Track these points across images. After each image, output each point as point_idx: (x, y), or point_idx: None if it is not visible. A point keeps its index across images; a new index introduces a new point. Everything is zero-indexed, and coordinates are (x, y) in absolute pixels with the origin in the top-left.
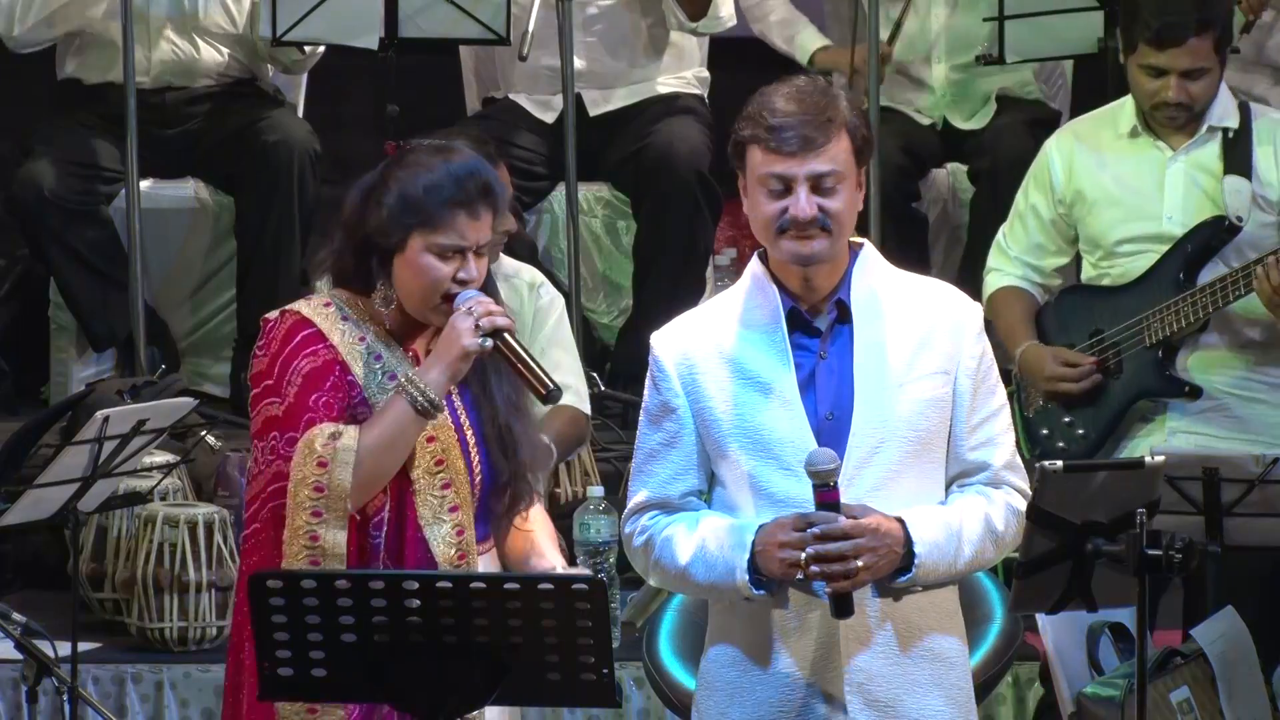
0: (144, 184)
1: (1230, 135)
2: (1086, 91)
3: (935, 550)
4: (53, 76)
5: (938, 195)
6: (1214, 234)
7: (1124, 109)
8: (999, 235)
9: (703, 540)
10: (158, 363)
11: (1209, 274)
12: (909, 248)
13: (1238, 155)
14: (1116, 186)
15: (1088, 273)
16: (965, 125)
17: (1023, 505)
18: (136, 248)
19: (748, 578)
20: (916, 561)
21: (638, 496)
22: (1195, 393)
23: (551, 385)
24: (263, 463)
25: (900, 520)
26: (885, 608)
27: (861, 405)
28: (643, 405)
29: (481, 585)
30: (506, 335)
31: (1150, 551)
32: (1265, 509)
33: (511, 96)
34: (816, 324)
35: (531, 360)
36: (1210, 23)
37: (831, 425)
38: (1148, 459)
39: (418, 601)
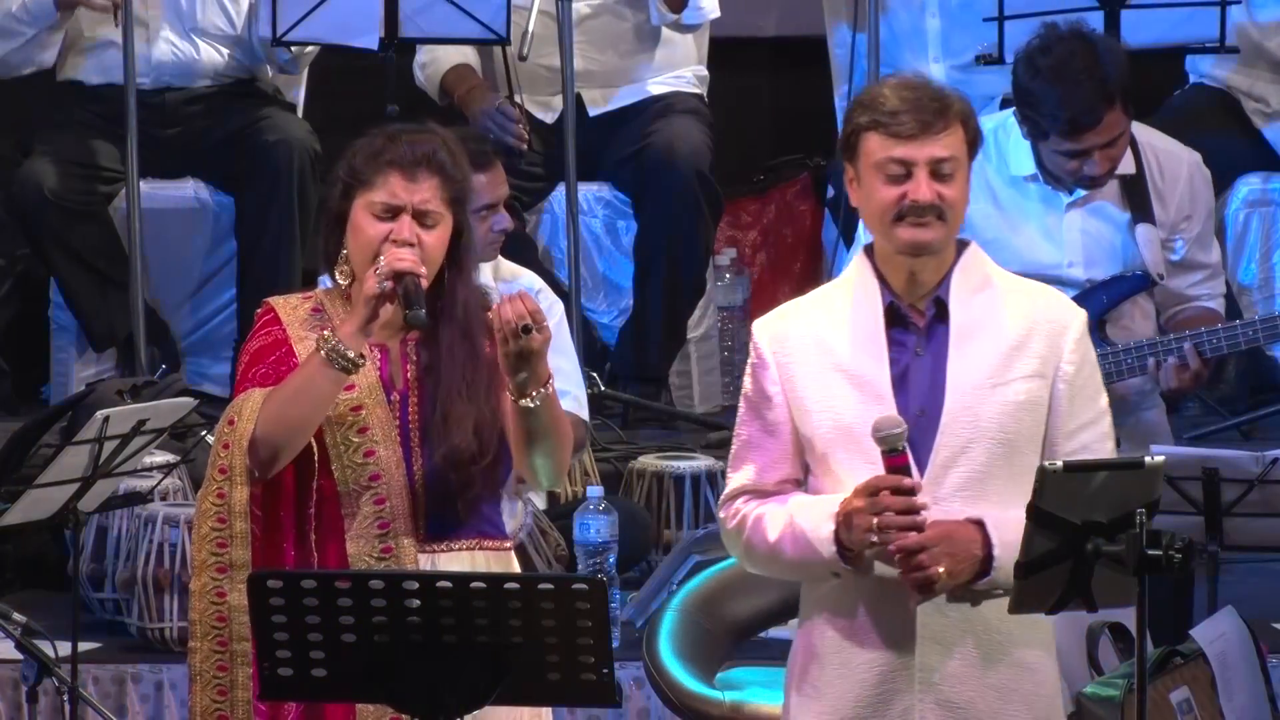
0: (144, 184)
1: (1128, 179)
2: None
3: (1014, 553)
4: (53, 76)
5: None
6: (1133, 289)
7: (1011, 142)
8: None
9: (791, 516)
10: (158, 363)
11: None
12: None
13: (1139, 199)
14: (1009, 228)
15: None
16: None
17: None
18: (136, 248)
19: (835, 549)
20: (994, 564)
21: (734, 483)
22: None
23: (412, 313)
24: None
25: (979, 523)
26: (964, 611)
27: (951, 405)
28: (743, 392)
29: (481, 585)
30: (409, 279)
31: (1150, 551)
32: (1265, 509)
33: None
34: (914, 321)
35: (414, 298)
36: (1114, 92)
37: (922, 423)
38: (1147, 459)
39: (418, 601)
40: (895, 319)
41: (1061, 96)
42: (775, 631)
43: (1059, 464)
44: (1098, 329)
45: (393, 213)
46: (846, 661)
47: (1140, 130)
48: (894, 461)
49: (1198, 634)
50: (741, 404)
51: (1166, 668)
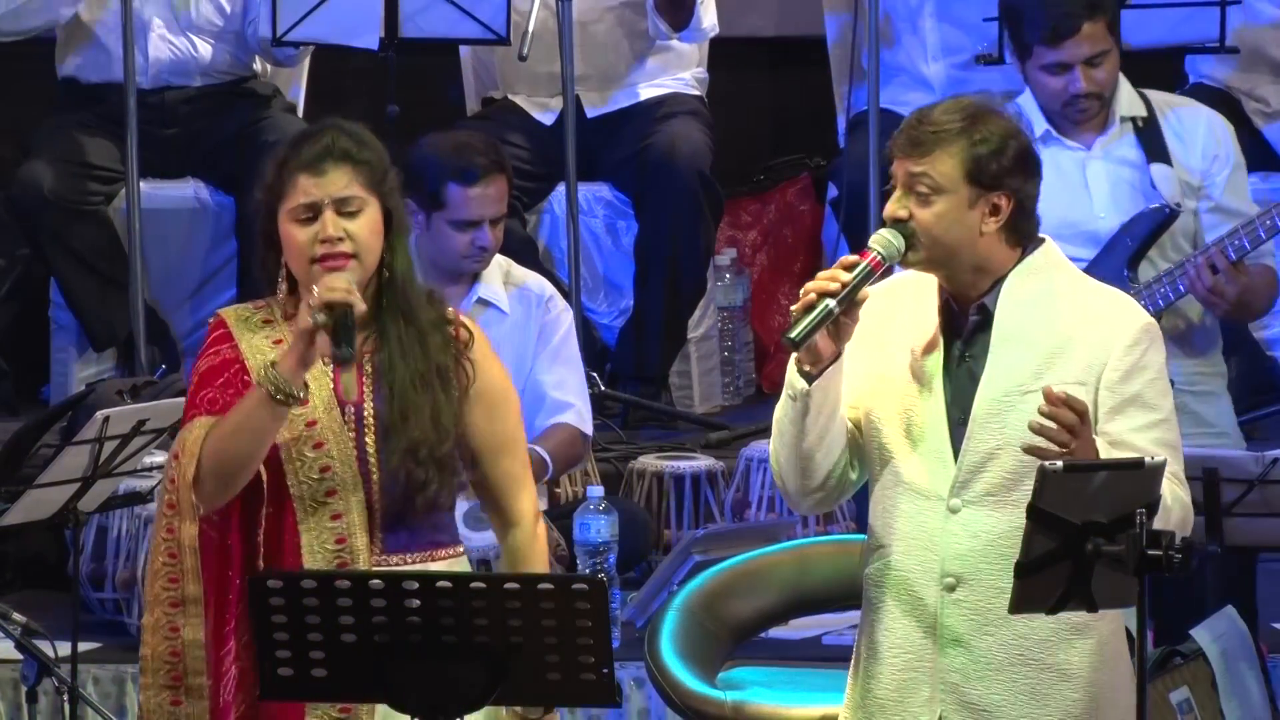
0: (144, 184)
1: (1140, 124)
2: None
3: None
4: (53, 76)
5: None
6: (1156, 224)
7: (1026, 111)
8: None
9: None
10: (158, 363)
11: (1145, 268)
12: None
13: (1154, 143)
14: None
15: None
16: None
17: (1186, 496)
18: (136, 248)
19: (796, 368)
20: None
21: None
22: None
23: (340, 351)
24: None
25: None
26: (987, 615)
27: (979, 411)
28: None
29: (481, 585)
30: (340, 309)
31: (1150, 551)
32: (1265, 509)
33: (511, 97)
34: (960, 324)
35: (345, 333)
36: (1099, 5)
37: (958, 425)
38: (1147, 459)
39: (418, 601)
40: (947, 319)
41: (1044, 1)
42: (777, 632)
43: (1059, 464)
44: (1129, 268)
45: (313, 211)
46: (878, 646)
47: (1149, 92)
48: (862, 255)
49: (1198, 634)
50: None
51: (1166, 668)
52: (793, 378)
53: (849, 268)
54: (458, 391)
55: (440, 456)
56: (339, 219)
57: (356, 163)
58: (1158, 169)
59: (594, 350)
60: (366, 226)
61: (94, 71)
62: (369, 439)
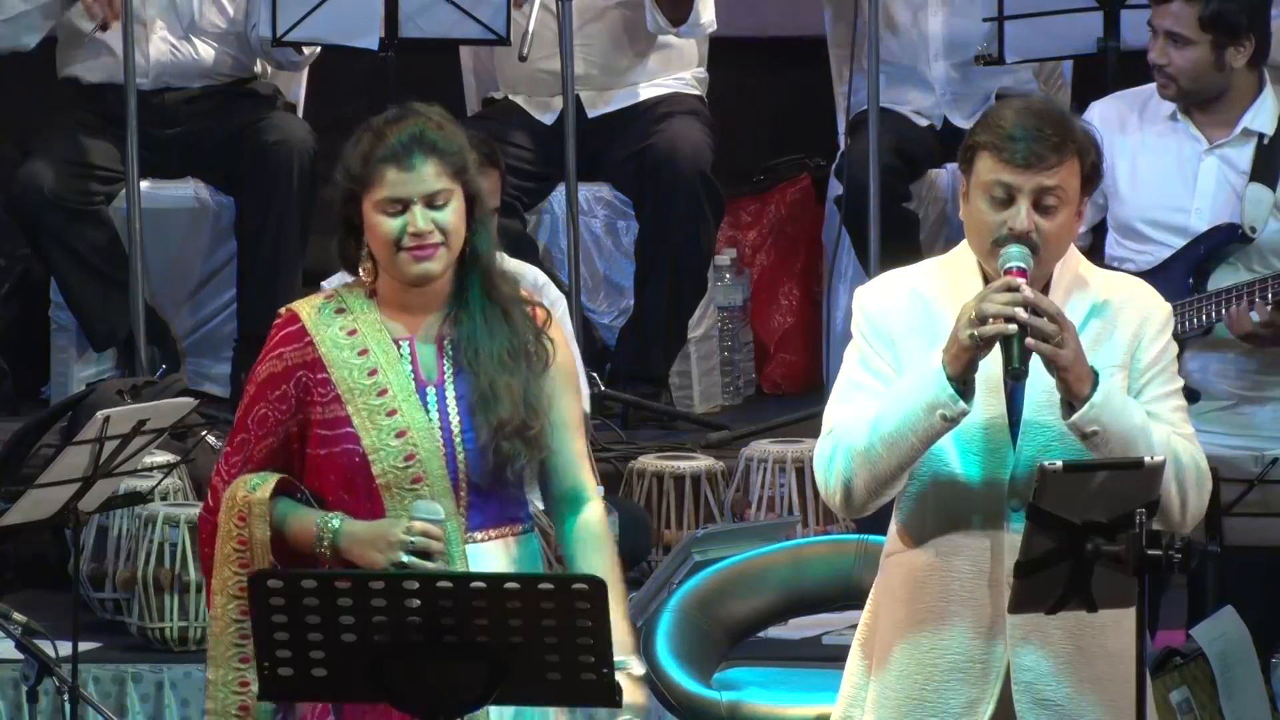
0: (144, 184)
1: (1265, 142)
2: (1086, 91)
3: (1116, 402)
4: (53, 76)
5: (937, 195)
6: (1227, 241)
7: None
8: None
9: (885, 395)
10: (158, 363)
11: (1222, 275)
12: (901, 247)
13: (1268, 163)
14: (1151, 170)
15: (1111, 251)
16: (967, 124)
17: (1204, 460)
18: (137, 248)
19: (945, 377)
20: (1098, 394)
21: (837, 417)
22: (1193, 397)
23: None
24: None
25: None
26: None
27: (1034, 405)
28: (852, 343)
29: (481, 585)
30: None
31: (1150, 551)
32: (1265, 509)
33: (511, 97)
34: None
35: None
36: None
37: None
38: (1147, 459)
39: (418, 601)
40: None
41: None
42: (776, 631)
43: (1059, 464)
44: (1194, 279)
45: (401, 205)
46: (916, 646)
47: None
48: (1010, 274)
49: (1198, 634)
50: (853, 352)
51: (1166, 668)
52: (947, 398)
53: (1017, 289)
54: (540, 369)
55: (530, 435)
56: (428, 211)
57: (441, 153)
58: (1254, 189)
59: (594, 350)
60: (453, 215)
61: (94, 72)
62: (454, 420)
